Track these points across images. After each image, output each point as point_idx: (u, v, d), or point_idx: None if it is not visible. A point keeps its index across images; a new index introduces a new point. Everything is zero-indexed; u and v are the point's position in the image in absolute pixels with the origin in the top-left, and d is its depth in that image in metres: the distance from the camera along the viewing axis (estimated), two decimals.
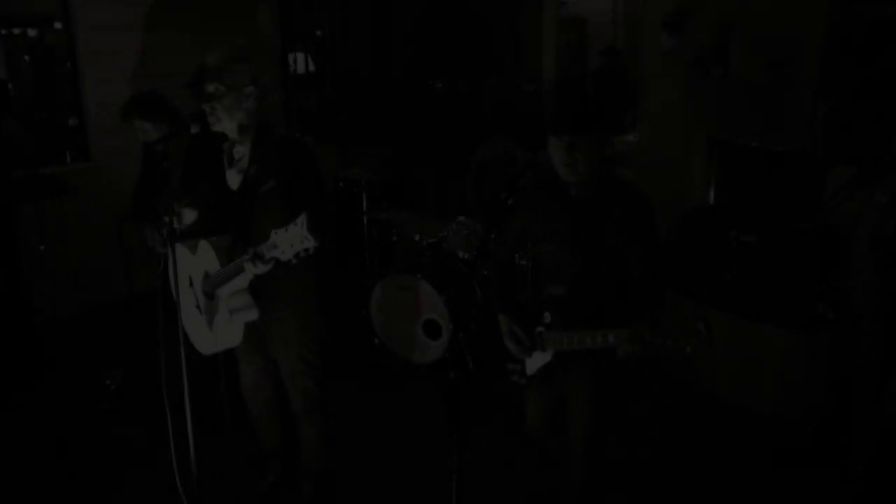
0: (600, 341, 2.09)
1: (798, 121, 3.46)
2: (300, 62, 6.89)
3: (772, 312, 3.50)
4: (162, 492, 2.73)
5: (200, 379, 2.42)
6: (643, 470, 3.21)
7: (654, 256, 2.23)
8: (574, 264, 2.22)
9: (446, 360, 3.92)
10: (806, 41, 3.53)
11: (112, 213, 4.80)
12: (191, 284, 2.61)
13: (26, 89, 5.40)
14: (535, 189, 2.38)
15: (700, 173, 4.38)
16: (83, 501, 3.06)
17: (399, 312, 4.10)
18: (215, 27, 5.61)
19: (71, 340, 4.56)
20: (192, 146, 2.77)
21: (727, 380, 3.74)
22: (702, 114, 4.36)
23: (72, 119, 5.10)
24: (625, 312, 2.14)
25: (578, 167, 2.14)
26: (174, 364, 2.36)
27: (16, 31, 5.14)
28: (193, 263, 2.56)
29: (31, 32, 5.19)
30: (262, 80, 2.47)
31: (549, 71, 6.22)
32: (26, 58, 5.27)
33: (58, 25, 4.96)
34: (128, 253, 4.53)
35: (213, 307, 2.54)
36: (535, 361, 2.32)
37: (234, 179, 2.56)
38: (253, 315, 2.50)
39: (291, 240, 2.06)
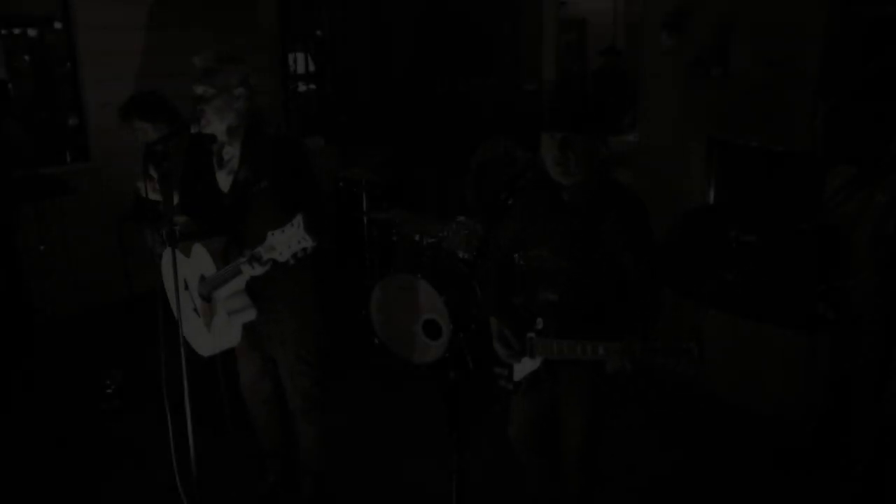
0: (590, 352, 2.04)
1: (798, 121, 3.46)
2: (300, 62, 6.89)
3: (772, 312, 3.49)
4: (162, 492, 2.74)
5: (200, 379, 2.42)
6: (643, 470, 3.21)
7: (650, 263, 2.15)
8: (568, 270, 2.16)
9: (446, 360, 3.92)
10: (806, 41, 3.53)
11: (112, 213, 4.79)
12: (186, 287, 2.60)
13: (26, 89, 5.40)
14: (528, 193, 2.28)
15: (700, 173, 4.37)
16: (83, 501, 3.06)
17: (399, 312, 4.10)
18: (215, 27, 5.61)
19: (71, 340, 4.56)
20: (187, 147, 2.77)
21: (727, 380, 3.74)
22: (702, 114, 4.36)
23: (72, 119, 5.10)
24: (620, 321, 2.10)
25: (571, 167, 2.07)
26: (174, 364, 2.37)
27: (16, 31, 5.14)
28: (188, 266, 2.55)
29: (31, 32, 5.19)
30: (251, 80, 2.47)
31: (549, 71, 6.21)
32: (26, 58, 5.27)
33: (58, 25, 4.96)
34: (128, 253, 4.53)
35: (210, 309, 2.54)
36: (524, 367, 2.27)
37: (224, 181, 2.55)
38: (251, 315, 2.50)
39: (289, 241, 2.06)
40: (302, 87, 6.99)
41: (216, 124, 2.42)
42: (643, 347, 1.93)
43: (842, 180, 3.14)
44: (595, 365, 2.07)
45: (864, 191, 2.93)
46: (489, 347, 2.33)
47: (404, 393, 3.94)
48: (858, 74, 3.20)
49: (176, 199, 2.52)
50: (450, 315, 3.80)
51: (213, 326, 2.54)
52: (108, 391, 3.71)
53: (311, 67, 7.02)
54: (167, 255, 2.70)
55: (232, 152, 2.52)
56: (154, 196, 2.76)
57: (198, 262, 2.49)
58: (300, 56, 6.88)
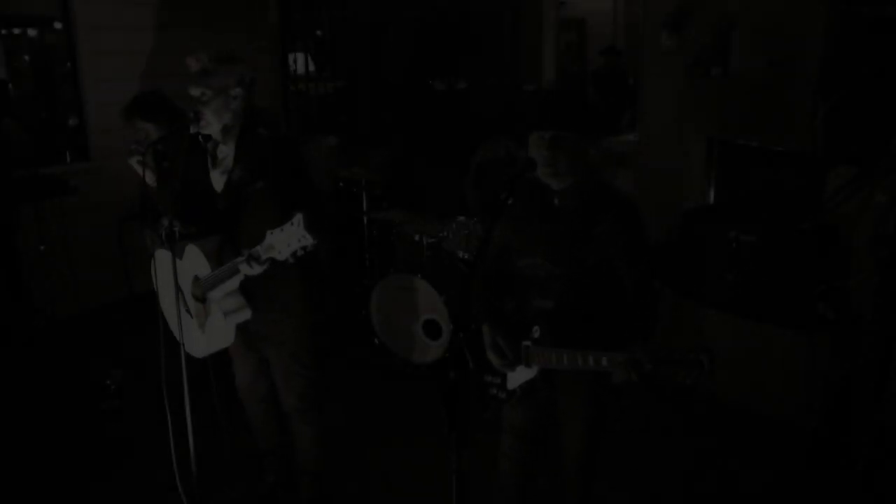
0: (592, 364, 1.97)
1: (798, 121, 3.45)
2: (300, 62, 6.89)
3: (772, 312, 3.49)
4: (162, 492, 2.74)
5: (194, 381, 2.42)
6: (643, 470, 3.21)
7: (646, 268, 2.10)
8: (562, 277, 2.09)
9: (446, 360, 3.92)
10: (806, 41, 3.52)
11: (112, 213, 4.80)
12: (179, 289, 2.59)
13: (26, 89, 5.40)
14: (517, 199, 2.17)
15: (700, 173, 4.37)
16: (83, 501, 3.06)
17: (399, 312, 4.10)
18: (215, 27, 5.61)
19: (71, 340, 4.56)
20: (185, 147, 2.77)
21: (727, 380, 3.74)
22: (702, 114, 4.35)
23: (72, 119, 5.10)
24: (617, 327, 2.06)
25: (560, 168, 1.99)
26: (174, 364, 2.37)
27: (16, 31, 5.14)
28: (180, 268, 2.53)
29: (31, 32, 5.20)
30: (248, 79, 2.47)
31: (549, 71, 6.22)
32: (26, 58, 5.27)
33: (58, 25, 4.96)
34: (128, 253, 4.53)
35: (204, 310, 2.53)
36: (519, 376, 2.20)
37: (218, 180, 2.54)
38: (246, 315, 2.49)
39: (288, 239, 2.06)
40: (302, 87, 7.00)
41: (214, 125, 2.42)
42: (651, 359, 1.86)
43: (842, 180, 3.14)
44: (597, 374, 2.03)
45: (864, 191, 2.92)
46: (482, 355, 2.27)
47: (404, 393, 3.94)
48: (858, 74, 3.20)
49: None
50: (450, 315, 3.80)
51: (207, 327, 2.53)
52: (108, 391, 3.71)
53: (311, 67, 7.02)
54: (158, 256, 2.70)
55: (226, 151, 2.52)
56: (150, 181, 2.73)
57: (191, 262, 2.47)
58: (300, 56, 6.89)
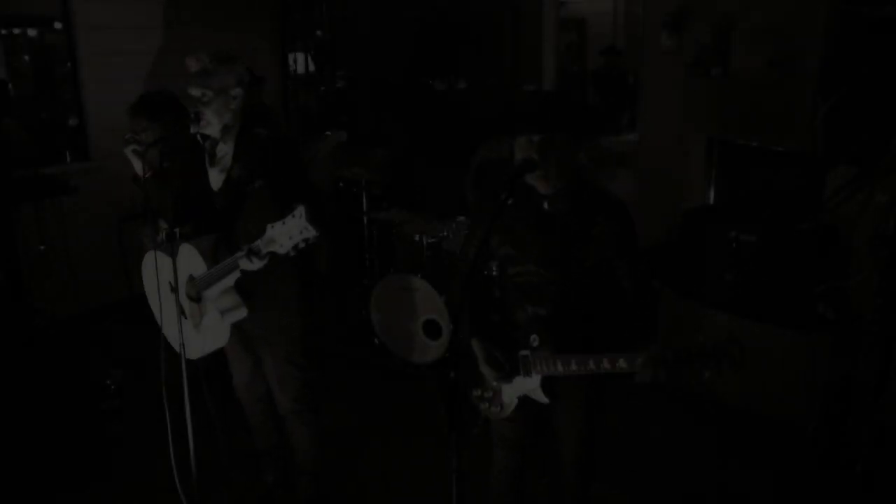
0: (607, 366, 1.90)
1: (798, 121, 3.45)
2: (300, 62, 6.89)
3: (772, 312, 3.50)
4: (162, 492, 2.74)
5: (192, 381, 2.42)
6: (643, 470, 3.21)
7: (642, 267, 2.07)
8: (557, 283, 2.05)
9: (446, 360, 3.92)
10: (806, 41, 3.52)
11: (112, 213, 4.80)
12: (172, 290, 2.58)
13: (26, 89, 5.39)
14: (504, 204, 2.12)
15: (700, 173, 4.38)
16: (83, 501, 3.06)
17: (399, 312, 4.10)
18: (215, 27, 5.61)
19: (71, 340, 4.56)
20: (185, 147, 2.76)
21: (726, 380, 3.73)
22: (702, 114, 4.36)
23: (72, 119, 5.10)
24: (617, 330, 2.05)
25: (551, 171, 1.95)
26: (174, 364, 2.37)
27: (16, 31, 5.14)
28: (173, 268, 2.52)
29: (31, 32, 5.19)
30: (247, 79, 2.47)
31: (549, 71, 6.22)
32: (26, 58, 5.27)
33: (58, 25, 4.96)
34: (128, 253, 4.53)
35: (199, 310, 2.52)
36: (516, 388, 2.14)
37: (216, 179, 2.54)
38: (243, 314, 2.48)
39: (290, 232, 2.04)
40: (302, 87, 6.99)
41: (214, 125, 2.42)
42: (677, 356, 1.80)
43: (842, 180, 3.13)
44: (593, 379, 2.02)
45: (864, 191, 2.92)
46: (472, 371, 2.18)
47: (404, 393, 3.94)
48: (858, 74, 3.20)
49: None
50: (450, 315, 3.80)
51: (202, 327, 2.53)
52: (108, 391, 3.71)
53: (311, 67, 7.02)
54: (149, 258, 2.69)
55: (225, 150, 2.52)
56: (139, 171, 2.69)
57: (186, 262, 2.46)
58: (300, 56, 6.88)
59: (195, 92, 2.38)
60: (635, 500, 3.03)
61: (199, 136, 2.49)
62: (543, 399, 2.09)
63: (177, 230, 2.36)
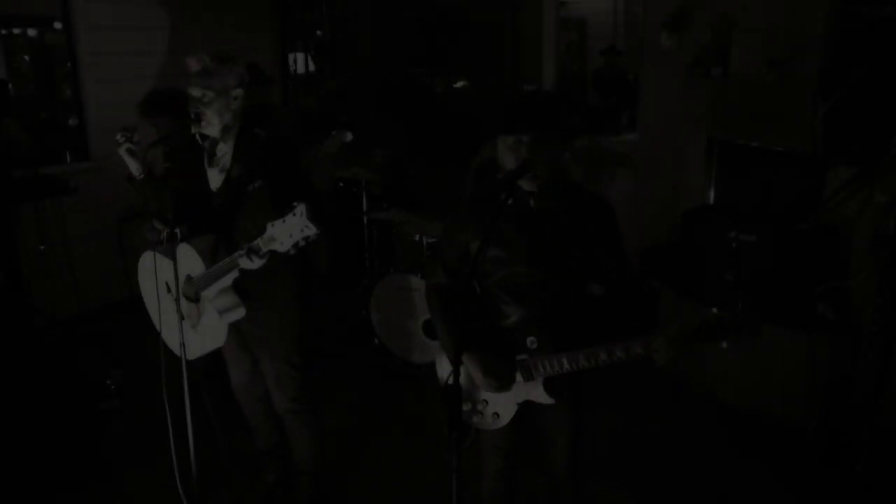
0: (621, 355, 1.90)
1: (798, 121, 3.45)
2: (300, 62, 6.89)
3: (772, 312, 3.49)
4: (162, 492, 2.74)
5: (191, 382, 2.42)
6: (643, 470, 3.21)
7: (626, 259, 2.08)
8: (548, 282, 2.03)
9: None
10: (806, 41, 3.52)
11: (112, 213, 4.81)
12: (168, 290, 2.58)
13: (26, 89, 5.39)
14: (485, 204, 2.08)
15: (700, 173, 4.38)
16: (83, 501, 3.06)
17: (399, 312, 4.10)
18: (215, 27, 5.62)
19: (71, 340, 4.56)
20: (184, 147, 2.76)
21: (726, 380, 3.74)
22: (702, 114, 4.36)
23: (72, 119, 5.10)
24: (612, 320, 2.05)
25: (541, 170, 1.94)
26: (174, 364, 2.37)
27: (16, 31, 5.14)
28: (169, 268, 2.51)
29: (31, 32, 5.19)
30: (247, 80, 2.47)
31: (549, 71, 6.21)
32: (26, 58, 5.27)
33: (58, 25, 4.96)
34: (128, 253, 4.53)
35: (197, 310, 2.52)
36: (515, 395, 2.10)
37: (215, 179, 2.54)
38: (241, 313, 2.48)
39: (290, 230, 2.04)
40: (302, 87, 6.99)
41: (215, 125, 2.42)
42: (697, 330, 1.81)
43: (842, 180, 3.13)
44: (581, 379, 2.01)
45: (864, 191, 2.92)
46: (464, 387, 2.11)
47: (404, 393, 3.94)
48: (858, 74, 3.20)
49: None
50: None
51: (200, 327, 2.52)
52: (108, 391, 3.71)
53: (311, 67, 7.02)
54: (145, 258, 2.69)
55: (225, 149, 2.52)
56: (136, 172, 2.69)
57: (184, 262, 2.45)
58: (300, 56, 6.89)
59: (196, 92, 2.37)
60: (636, 499, 3.03)
61: (198, 136, 2.49)
62: (548, 400, 2.08)
63: (177, 230, 2.36)
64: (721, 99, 4.16)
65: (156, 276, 2.45)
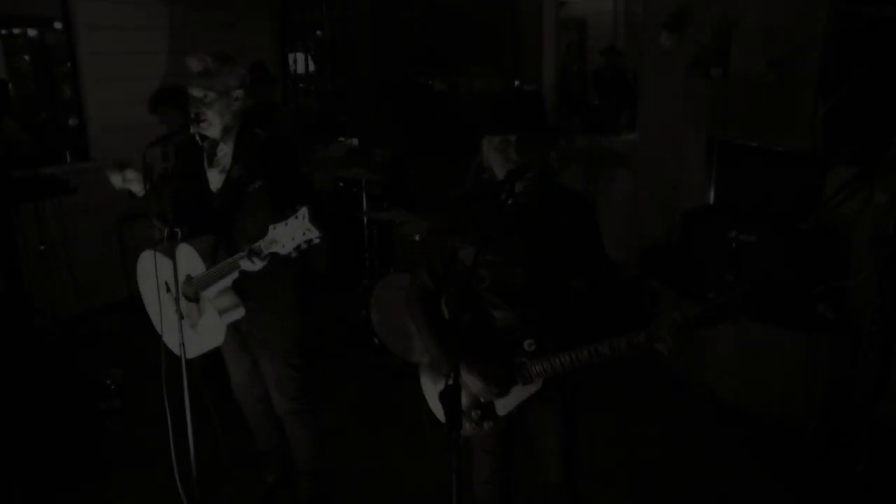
0: (625, 347, 1.89)
1: (798, 121, 3.45)
2: (300, 62, 6.89)
3: (772, 312, 3.49)
4: (162, 492, 2.74)
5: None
6: (643, 470, 3.21)
7: (606, 256, 2.10)
8: (541, 282, 2.02)
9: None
10: (806, 41, 3.52)
11: (112, 213, 4.80)
12: (168, 290, 2.58)
13: (26, 89, 5.40)
14: (472, 206, 2.06)
15: (700, 173, 4.37)
16: (83, 501, 3.06)
17: (399, 312, 4.10)
18: (215, 27, 5.61)
19: (71, 340, 4.56)
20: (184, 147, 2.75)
21: (727, 380, 3.74)
22: (702, 114, 4.35)
23: (72, 119, 5.10)
24: (609, 314, 2.05)
25: (534, 170, 1.91)
26: (174, 364, 2.37)
27: (16, 31, 5.14)
28: (169, 268, 2.51)
29: (31, 32, 5.19)
30: (248, 80, 2.47)
31: (549, 71, 6.21)
32: (26, 58, 5.27)
33: (58, 25, 4.96)
34: (128, 253, 4.53)
35: (197, 310, 2.52)
36: (513, 399, 2.07)
37: (215, 179, 2.54)
38: (240, 313, 2.48)
39: (293, 233, 2.03)
40: (302, 87, 7.00)
41: (216, 126, 2.42)
42: (699, 315, 1.82)
43: (842, 180, 3.13)
44: (560, 379, 2.01)
45: (864, 191, 2.92)
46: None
47: (404, 393, 3.93)
48: (858, 74, 3.20)
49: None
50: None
51: (200, 326, 2.52)
52: (108, 391, 3.71)
53: (311, 67, 7.02)
54: (144, 258, 2.68)
55: (225, 150, 2.52)
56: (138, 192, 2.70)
57: (184, 262, 2.45)
58: (300, 56, 6.89)
59: (197, 93, 2.37)
60: (635, 499, 3.03)
61: (198, 137, 2.48)
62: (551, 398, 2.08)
63: (178, 230, 2.36)
64: (721, 99, 4.16)
65: (156, 275, 2.45)
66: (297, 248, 2.05)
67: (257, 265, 2.20)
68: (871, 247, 2.84)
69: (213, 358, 2.74)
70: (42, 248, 4.50)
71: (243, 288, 2.45)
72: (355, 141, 6.30)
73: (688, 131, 4.55)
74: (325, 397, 3.26)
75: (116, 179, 2.67)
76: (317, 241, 2.03)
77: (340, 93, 7.13)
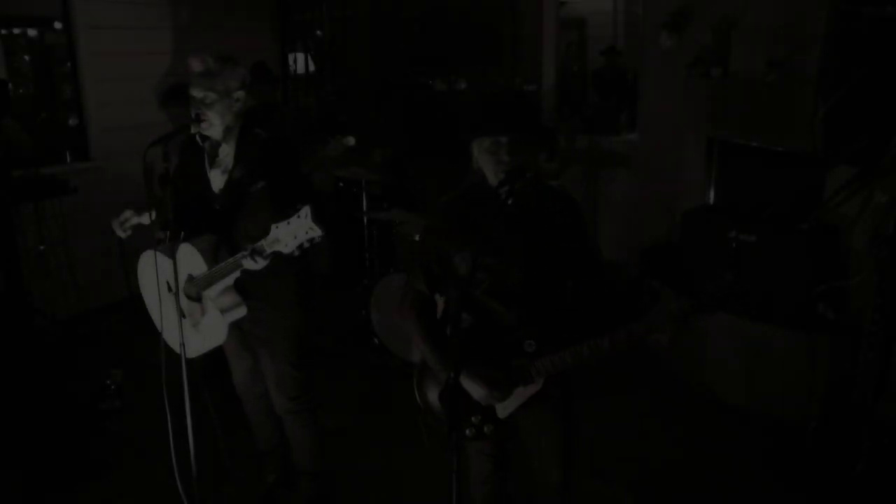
0: (624, 340, 1.89)
1: (798, 121, 3.45)
2: (300, 62, 6.89)
3: (772, 312, 3.49)
4: (162, 491, 2.74)
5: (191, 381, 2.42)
6: (643, 469, 3.21)
7: (597, 253, 2.12)
8: (537, 282, 2.02)
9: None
10: (806, 41, 3.52)
11: (112, 213, 4.79)
12: (169, 290, 2.58)
13: (26, 89, 5.40)
14: (465, 210, 2.06)
15: (700, 173, 4.37)
16: (83, 501, 3.06)
17: None
18: (215, 27, 5.61)
19: (71, 340, 4.56)
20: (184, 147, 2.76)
21: (727, 380, 3.74)
22: (702, 114, 4.35)
23: (72, 119, 5.10)
24: (604, 309, 2.06)
25: (529, 172, 1.92)
26: (174, 364, 2.37)
27: (16, 31, 5.14)
28: (170, 268, 2.51)
29: (31, 32, 5.19)
30: (248, 80, 2.47)
31: (550, 71, 6.21)
32: (26, 58, 5.27)
33: (58, 25, 4.96)
34: (128, 253, 4.51)
35: (199, 309, 2.52)
36: (514, 401, 2.06)
37: (217, 180, 2.54)
38: (242, 312, 2.48)
39: (295, 232, 2.04)
40: (302, 87, 6.99)
41: (216, 126, 2.42)
42: (694, 304, 1.84)
43: (842, 180, 3.13)
44: (557, 377, 2.01)
45: (864, 191, 2.92)
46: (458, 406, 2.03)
47: (404, 393, 3.93)
48: (858, 74, 3.20)
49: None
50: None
51: (201, 326, 2.53)
52: (108, 391, 3.71)
53: (311, 67, 7.01)
54: (145, 258, 2.68)
55: (227, 150, 2.52)
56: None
57: (185, 261, 2.45)
58: (300, 56, 6.88)
59: (198, 93, 2.37)
60: (634, 499, 3.03)
61: (198, 137, 2.48)
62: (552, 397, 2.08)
63: (180, 231, 2.36)
64: (721, 99, 4.16)
65: (157, 274, 2.45)
66: (300, 246, 2.05)
67: (260, 264, 2.21)
68: (871, 247, 2.84)
69: (214, 358, 2.74)
70: (42, 248, 4.51)
71: (245, 287, 2.45)
72: (352, 139, 6.30)
73: (688, 131, 4.55)
74: (325, 397, 3.25)
75: (121, 232, 2.68)
76: (318, 239, 2.03)
77: (340, 93, 7.13)
